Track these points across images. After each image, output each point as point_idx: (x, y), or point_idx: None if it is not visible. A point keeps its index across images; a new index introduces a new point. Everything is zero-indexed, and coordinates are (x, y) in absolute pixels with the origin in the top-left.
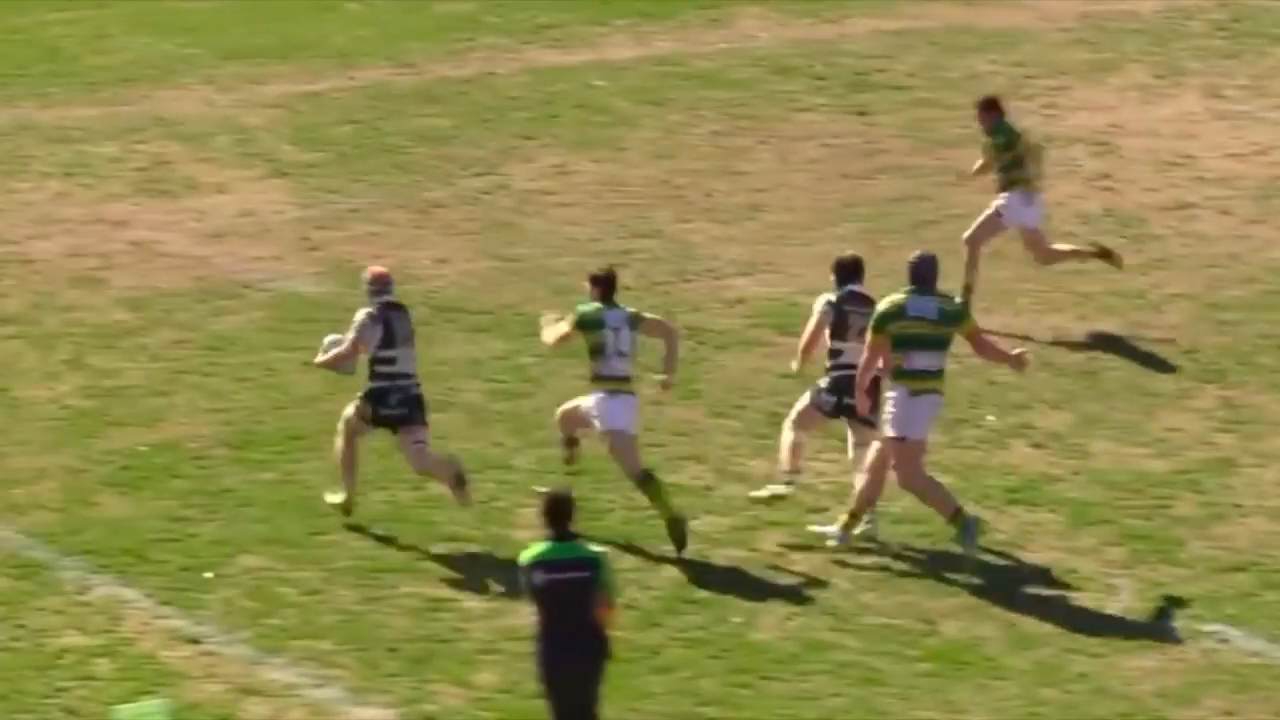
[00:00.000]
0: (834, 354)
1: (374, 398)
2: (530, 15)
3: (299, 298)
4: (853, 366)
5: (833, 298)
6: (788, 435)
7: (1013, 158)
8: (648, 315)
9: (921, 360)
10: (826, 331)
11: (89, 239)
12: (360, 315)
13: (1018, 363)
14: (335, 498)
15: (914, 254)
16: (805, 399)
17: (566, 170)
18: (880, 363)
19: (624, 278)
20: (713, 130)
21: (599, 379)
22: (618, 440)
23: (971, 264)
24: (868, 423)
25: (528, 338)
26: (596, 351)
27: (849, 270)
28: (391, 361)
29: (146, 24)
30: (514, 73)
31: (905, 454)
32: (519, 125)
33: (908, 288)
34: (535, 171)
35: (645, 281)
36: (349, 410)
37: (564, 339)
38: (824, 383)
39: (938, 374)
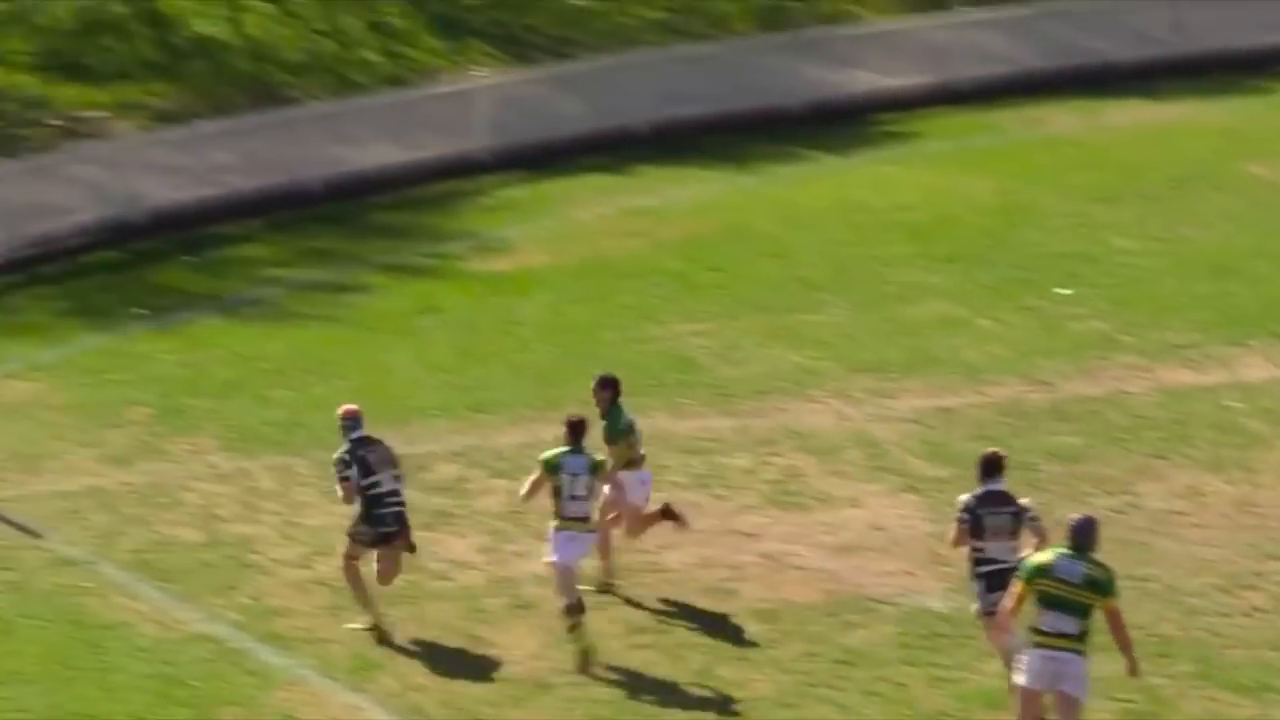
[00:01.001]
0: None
1: (369, 520)
2: (1164, 335)
3: (929, 614)
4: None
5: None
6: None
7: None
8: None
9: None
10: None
11: (720, 550)
12: (334, 460)
13: (1132, 669)
14: (357, 625)
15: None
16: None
17: (1200, 491)
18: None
19: (1258, 599)
20: None
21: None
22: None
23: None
24: None
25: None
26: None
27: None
28: (376, 485)
29: (778, 337)
30: (1147, 391)
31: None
32: (1151, 445)
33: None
34: (1167, 491)
35: None
36: (343, 549)
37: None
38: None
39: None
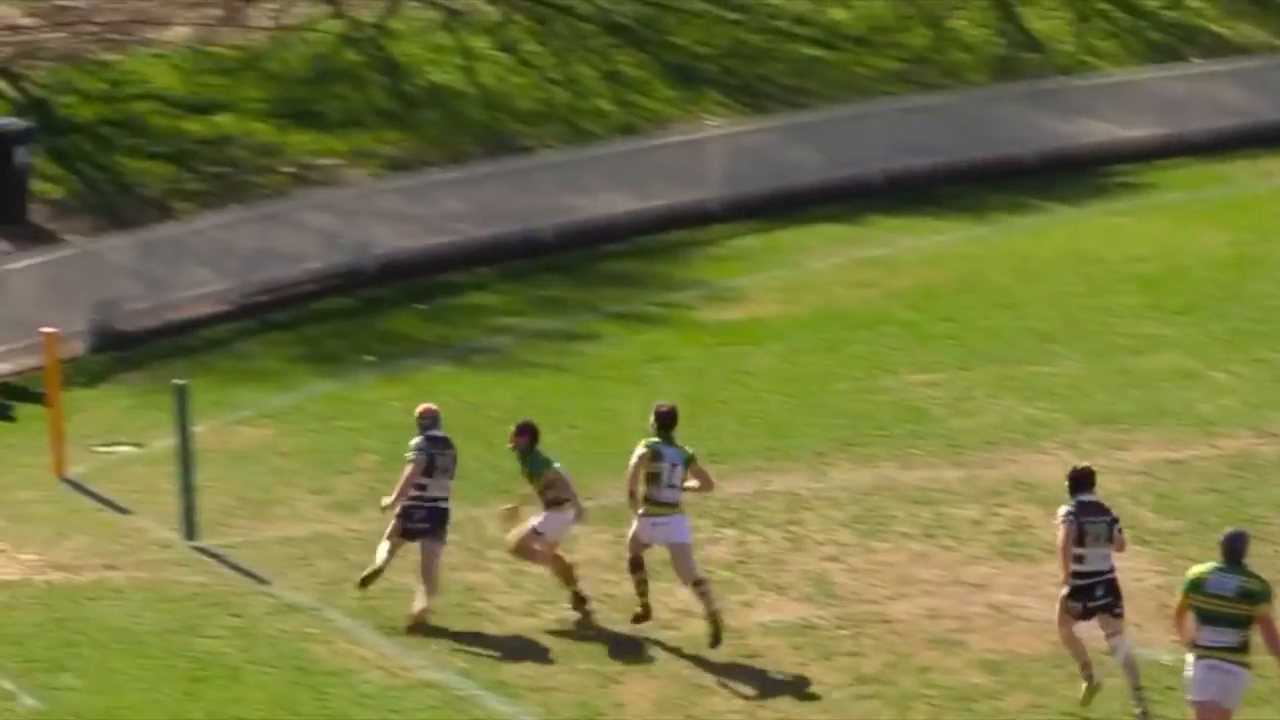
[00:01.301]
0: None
1: (404, 515)
2: None
3: (1158, 666)
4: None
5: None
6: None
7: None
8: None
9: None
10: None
11: (948, 601)
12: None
13: None
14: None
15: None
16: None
17: None
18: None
19: None
20: None
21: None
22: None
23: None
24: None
25: None
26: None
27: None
28: (425, 488)
29: (1009, 388)
30: None
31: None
32: None
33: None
34: None
35: None
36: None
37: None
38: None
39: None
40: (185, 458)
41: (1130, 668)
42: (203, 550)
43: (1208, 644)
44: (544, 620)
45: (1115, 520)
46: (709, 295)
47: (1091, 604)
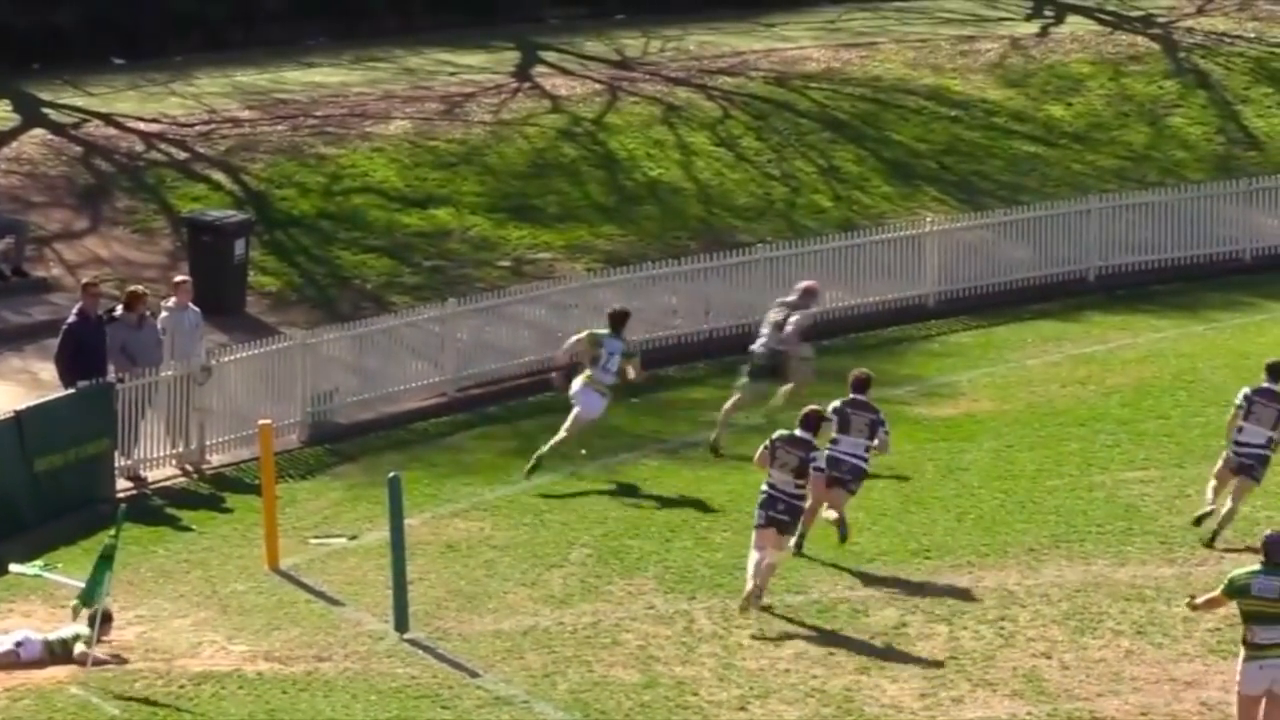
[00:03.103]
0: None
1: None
2: None
3: None
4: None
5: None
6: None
7: None
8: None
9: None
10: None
11: (1159, 698)
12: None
13: None
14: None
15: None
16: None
17: None
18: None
19: None
20: None
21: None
22: None
23: None
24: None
25: None
26: None
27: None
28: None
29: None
30: None
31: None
32: None
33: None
34: None
35: None
36: None
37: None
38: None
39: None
40: (398, 549)
41: None
42: (414, 642)
43: (1262, 642)
44: (754, 715)
45: None
46: (924, 391)
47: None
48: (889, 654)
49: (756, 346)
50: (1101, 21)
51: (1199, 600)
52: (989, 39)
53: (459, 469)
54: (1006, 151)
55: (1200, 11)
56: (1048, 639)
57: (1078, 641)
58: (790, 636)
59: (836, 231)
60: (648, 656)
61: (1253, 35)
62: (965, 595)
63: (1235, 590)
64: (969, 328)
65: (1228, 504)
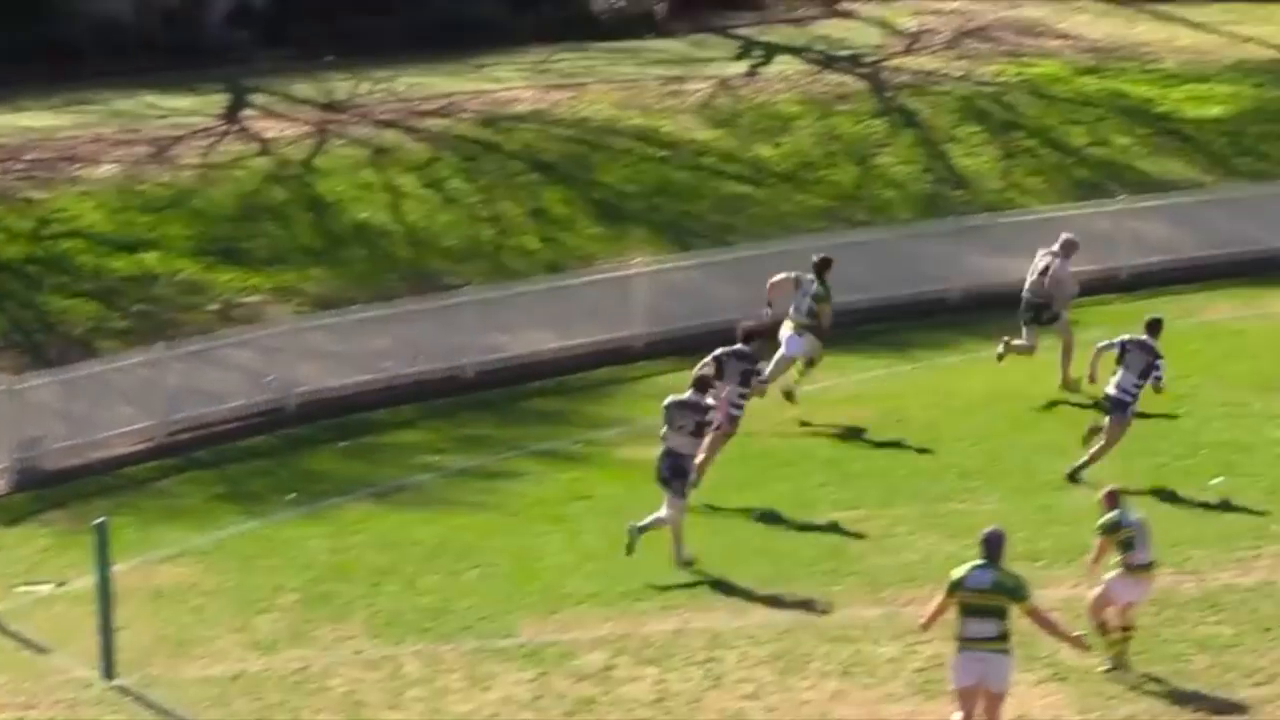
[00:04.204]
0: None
1: None
2: None
3: None
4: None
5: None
6: None
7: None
8: None
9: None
10: None
11: None
12: None
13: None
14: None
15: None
16: None
17: None
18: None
19: None
20: None
21: None
22: None
23: None
24: None
25: None
26: None
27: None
28: None
29: (931, 525)
30: None
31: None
32: None
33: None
34: None
35: None
36: None
37: None
38: None
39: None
40: (104, 596)
41: None
42: (121, 689)
43: (971, 635)
44: None
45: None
46: (633, 433)
47: None
48: (597, 698)
49: (1026, 293)
50: (810, 61)
51: (925, 618)
52: (697, 79)
53: (168, 514)
54: (715, 192)
55: (908, 51)
56: (755, 680)
57: (785, 683)
58: (498, 680)
59: (545, 273)
60: (355, 702)
61: (960, 74)
62: (674, 637)
63: (953, 585)
64: (678, 369)
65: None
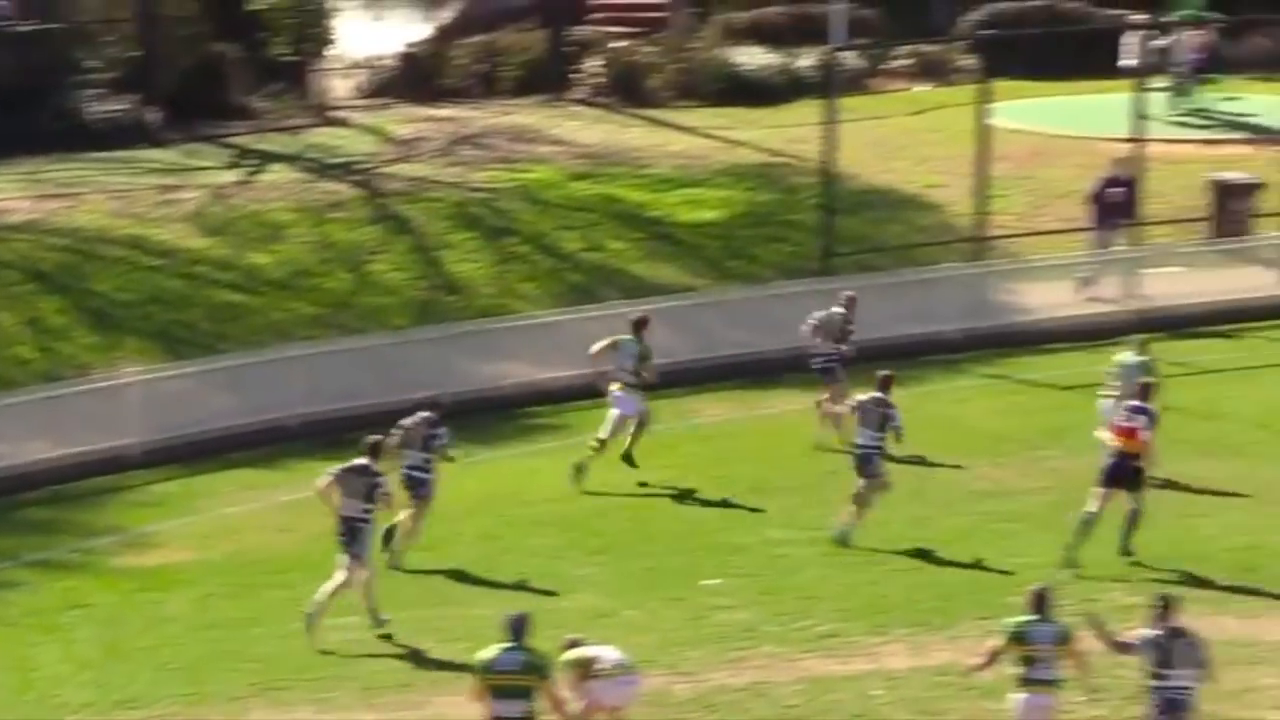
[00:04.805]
0: None
1: None
2: (811, 624)
3: None
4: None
5: None
6: None
7: None
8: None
9: None
10: None
11: None
12: None
13: None
14: None
15: None
16: None
17: None
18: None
19: None
20: None
21: None
22: None
23: None
24: None
25: None
26: None
27: None
28: None
29: (426, 630)
30: (790, 681)
31: None
32: None
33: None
34: None
35: None
36: None
37: None
38: None
39: None
40: None
41: None
42: None
43: (500, 716)
44: None
45: None
46: (126, 542)
47: None
48: None
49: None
50: (303, 169)
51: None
52: (190, 188)
53: None
54: (208, 300)
55: (401, 158)
56: None
57: None
58: None
59: (41, 382)
60: None
61: (453, 180)
62: None
63: (483, 669)
64: (173, 477)
65: None
